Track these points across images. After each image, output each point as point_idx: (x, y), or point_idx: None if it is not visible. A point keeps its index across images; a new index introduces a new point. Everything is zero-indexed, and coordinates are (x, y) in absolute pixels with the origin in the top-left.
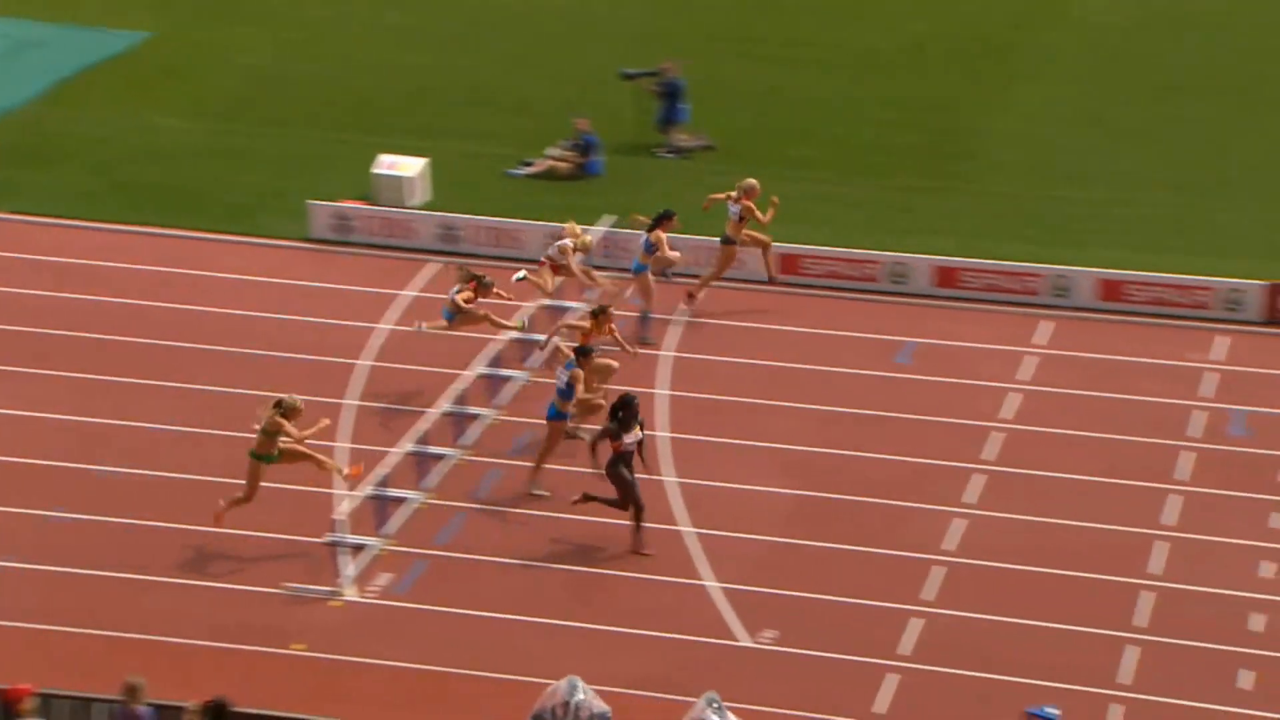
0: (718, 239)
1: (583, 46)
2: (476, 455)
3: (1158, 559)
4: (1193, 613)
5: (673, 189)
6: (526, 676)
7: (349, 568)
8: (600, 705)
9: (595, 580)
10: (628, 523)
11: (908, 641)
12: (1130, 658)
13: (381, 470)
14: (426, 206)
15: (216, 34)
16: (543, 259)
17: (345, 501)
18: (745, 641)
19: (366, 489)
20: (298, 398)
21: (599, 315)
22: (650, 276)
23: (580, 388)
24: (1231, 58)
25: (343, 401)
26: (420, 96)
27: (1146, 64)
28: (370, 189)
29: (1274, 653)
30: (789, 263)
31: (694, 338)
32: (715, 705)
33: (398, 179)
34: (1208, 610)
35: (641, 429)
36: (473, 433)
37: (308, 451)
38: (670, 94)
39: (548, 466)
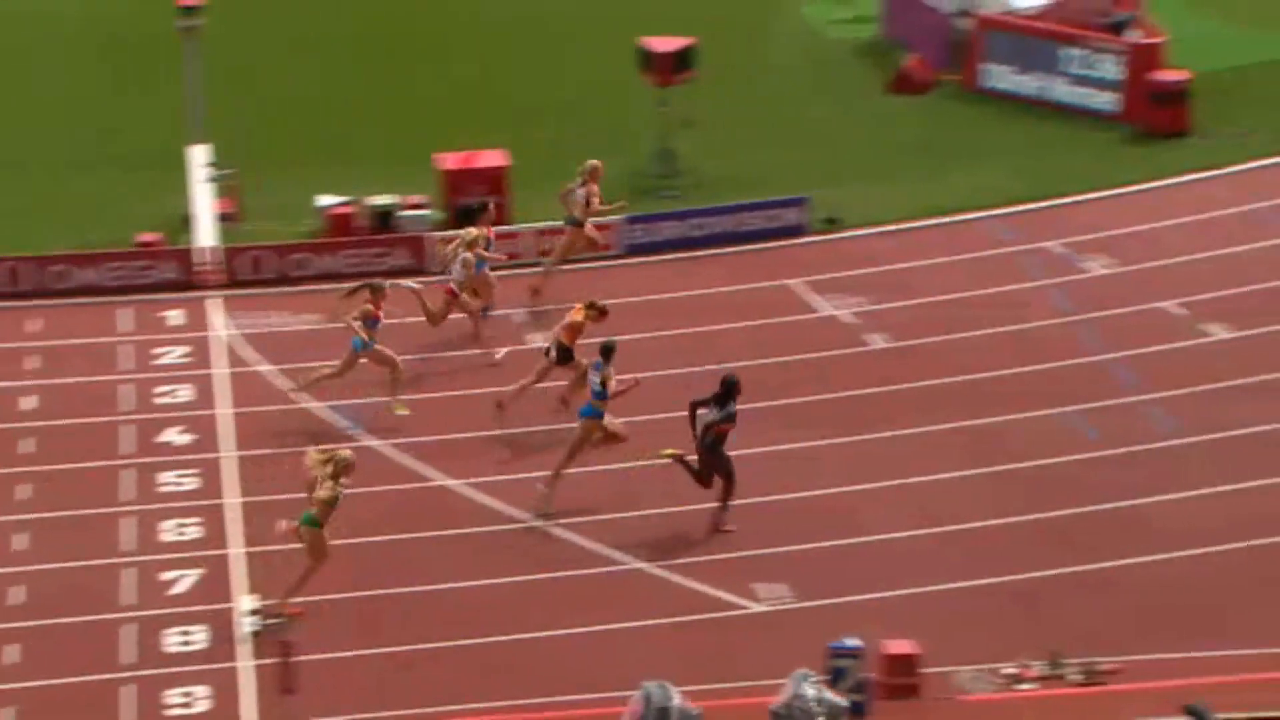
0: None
1: None
2: None
3: None
4: None
5: None
6: None
7: None
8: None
9: None
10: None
11: None
12: None
13: None
14: None
15: None
16: (451, 285)
17: None
18: None
19: None
20: (348, 452)
21: (591, 309)
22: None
23: (613, 385)
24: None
25: None
26: None
27: None
28: None
29: (38, 621)
30: None
31: None
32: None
33: None
34: None
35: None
36: None
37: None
38: None
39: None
